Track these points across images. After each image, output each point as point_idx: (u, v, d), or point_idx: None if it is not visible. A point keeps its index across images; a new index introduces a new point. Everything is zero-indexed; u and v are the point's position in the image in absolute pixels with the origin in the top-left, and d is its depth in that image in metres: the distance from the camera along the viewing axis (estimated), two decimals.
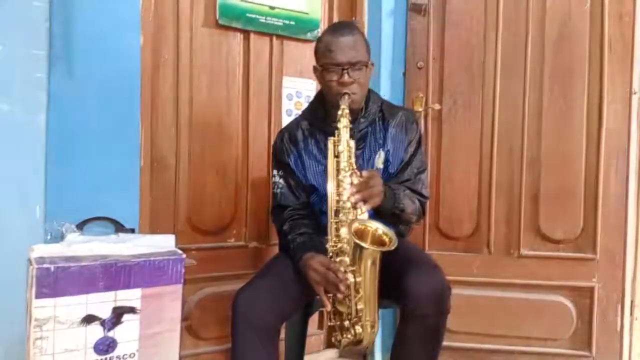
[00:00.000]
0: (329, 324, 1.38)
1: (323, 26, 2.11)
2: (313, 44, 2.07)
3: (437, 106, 2.05)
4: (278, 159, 1.58)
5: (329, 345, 2.15)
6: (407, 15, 2.08)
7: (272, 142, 1.96)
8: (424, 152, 1.60)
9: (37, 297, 1.07)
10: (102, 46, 1.53)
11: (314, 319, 1.60)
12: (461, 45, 2.04)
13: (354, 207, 1.32)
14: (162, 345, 1.21)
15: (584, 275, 1.97)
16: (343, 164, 1.36)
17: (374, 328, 1.33)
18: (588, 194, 1.96)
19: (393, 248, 1.25)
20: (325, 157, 1.46)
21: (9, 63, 1.41)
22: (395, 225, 1.54)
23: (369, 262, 1.28)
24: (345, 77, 1.41)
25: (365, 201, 1.28)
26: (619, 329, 1.96)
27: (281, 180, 1.54)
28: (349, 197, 1.29)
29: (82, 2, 1.50)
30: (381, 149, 1.52)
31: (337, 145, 1.38)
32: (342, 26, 1.52)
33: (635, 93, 1.93)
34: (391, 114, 1.55)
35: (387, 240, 1.28)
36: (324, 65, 1.44)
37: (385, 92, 2.07)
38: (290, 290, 1.39)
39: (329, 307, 1.33)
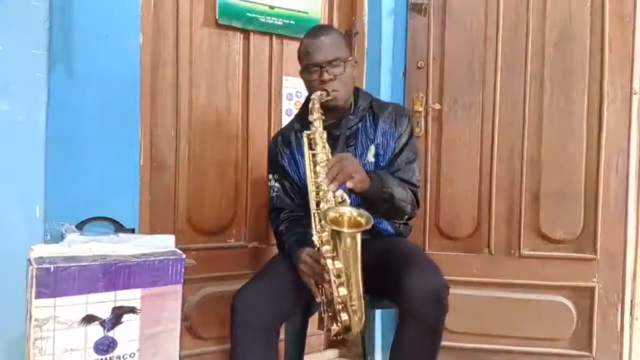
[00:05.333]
0: (322, 315, 1.37)
1: None
2: None
3: (437, 106, 2.05)
4: (273, 162, 1.60)
5: (329, 345, 2.15)
6: (407, 15, 2.08)
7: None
8: (415, 144, 1.58)
9: (37, 297, 1.07)
10: (102, 46, 1.53)
11: (313, 319, 1.60)
12: (461, 45, 2.04)
13: (334, 195, 1.32)
14: (162, 345, 1.21)
15: (584, 275, 1.97)
16: (320, 156, 1.37)
17: (359, 314, 1.31)
18: (588, 194, 1.96)
19: (369, 227, 1.22)
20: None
21: (9, 63, 1.41)
22: (391, 217, 1.53)
23: (348, 247, 1.24)
24: (325, 75, 1.43)
25: (343, 182, 1.29)
26: (619, 329, 1.96)
27: (276, 184, 1.57)
28: (328, 186, 1.29)
29: (82, 2, 1.50)
30: (372, 144, 1.53)
31: (312, 138, 1.39)
32: (318, 28, 1.56)
33: (635, 93, 1.92)
34: (381, 109, 1.56)
35: (363, 221, 1.25)
36: (305, 67, 1.48)
37: (385, 92, 2.07)
38: (289, 291, 1.39)
39: (319, 298, 1.33)
